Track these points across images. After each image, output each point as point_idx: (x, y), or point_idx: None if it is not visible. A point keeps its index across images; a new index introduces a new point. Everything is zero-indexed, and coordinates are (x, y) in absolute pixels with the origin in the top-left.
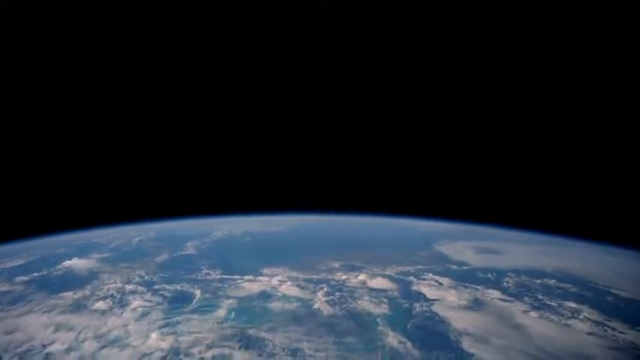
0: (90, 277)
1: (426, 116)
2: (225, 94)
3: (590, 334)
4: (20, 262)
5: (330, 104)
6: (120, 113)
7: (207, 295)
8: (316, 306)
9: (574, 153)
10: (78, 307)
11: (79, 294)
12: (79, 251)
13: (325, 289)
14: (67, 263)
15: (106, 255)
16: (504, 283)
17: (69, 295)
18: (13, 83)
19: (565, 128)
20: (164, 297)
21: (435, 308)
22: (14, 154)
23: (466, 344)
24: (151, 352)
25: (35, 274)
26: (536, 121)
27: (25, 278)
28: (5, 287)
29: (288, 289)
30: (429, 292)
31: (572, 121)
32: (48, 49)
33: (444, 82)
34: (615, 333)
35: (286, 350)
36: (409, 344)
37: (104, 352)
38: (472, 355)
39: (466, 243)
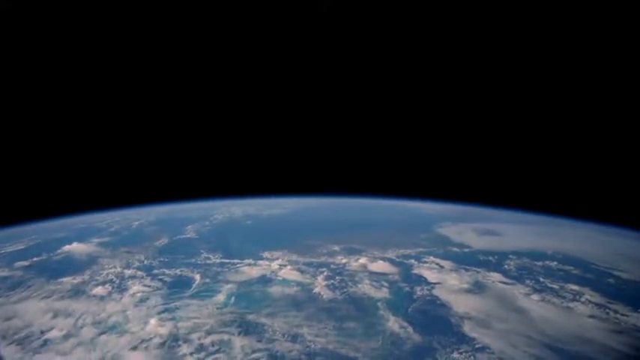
0: (89, 261)
1: (425, 97)
2: (226, 78)
3: (591, 317)
4: (21, 246)
5: (329, 87)
6: (120, 96)
7: (207, 280)
8: (316, 290)
9: (573, 131)
10: (77, 292)
11: (78, 279)
12: (79, 235)
13: (325, 273)
14: (66, 248)
15: (105, 239)
16: (505, 266)
17: (68, 281)
18: (13, 66)
19: (563, 106)
20: (163, 282)
21: (436, 292)
22: (15, 138)
23: (467, 328)
24: (150, 338)
25: (35, 259)
26: (534, 99)
27: (24, 263)
28: (5, 272)
29: (288, 273)
30: (430, 276)
31: (570, 100)
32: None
33: (441, 64)
34: (617, 316)
35: (286, 336)
36: (410, 329)
37: (103, 338)
38: (473, 339)
39: (467, 225)
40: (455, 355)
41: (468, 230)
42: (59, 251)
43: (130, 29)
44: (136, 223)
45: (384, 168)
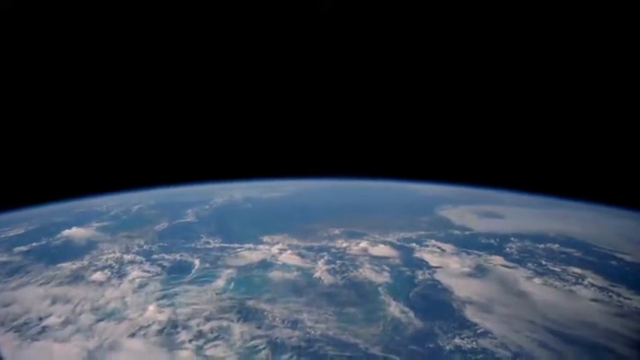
0: (89, 246)
1: (425, 78)
2: (226, 62)
3: (594, 300)
4: (20, 231)
5: (329, 69)
6: (120, 78)
7: (207, 265)
8: (317, 275)
9: (575, 112)
10: (76, 278)
11: (77, 264)
12: (78, 220)
13: (326, 258)
14: (66, 232)
15: (105, 224)
16: (507, 249)
17: (67, 266)
18: (12, 48)
19: (565, 86)
20: (163, 267)
21: (438, 276)
22: (14, 121)
23: (469, 313)
24: (149, 325)
25: (34, 244)
26: (536, 78)
27: (24, 248)
28: (4, 258)
29: (289, 257)
30: (432, 259)
31: (572, 80)
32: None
33: (442, 44)
34: (620, 299)
35: (286, 322)
36: (411, 314)
37: (101, 325)
38: (475, 324)
39: (468, 207)
40: (457, 340)
41: (470, 212)
42: (58, 236)
43: (128, 15)
44: (136, 207)
45: (385, 149)
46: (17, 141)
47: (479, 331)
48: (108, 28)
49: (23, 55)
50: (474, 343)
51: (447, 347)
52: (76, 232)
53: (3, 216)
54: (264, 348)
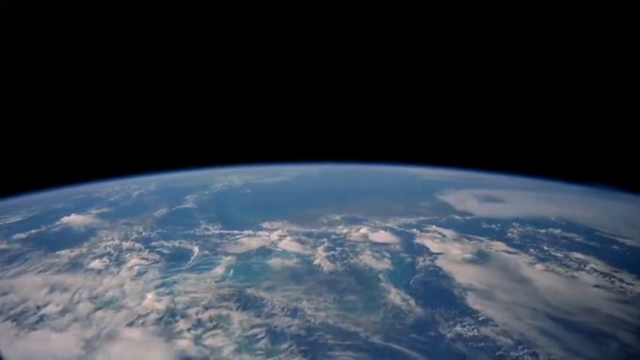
0: (87, 233)
1: (425, 60)
2: (226, 43)
3: (596, 286)
4: (19, 218)
5: (328, 54)
6: (118, 61)
7: (206, 252)
8: (316, 262)
9: (574, 93)
10: (74, 266)
11: (75, 252)
12: (78, 206)
13: (326, 244)
14: (65, 219)
15: (104, 210)
16: (509, 234)
17: (65, 254)
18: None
19: (564, 68)
20: (161, 254)
21: (439, 262)
22: (13, 106)
23: (471, 300)
24: (147, 314)
25: (33, 231)
26: (535, 61)
27: (22, 236)
28: (2, 245)
29: (288, 244)
30: (433, 245)
31: (570, 61)
32: None
33: (442, 27)
34: (623, 285)
35: (285, 310)
36: (412, 301)
37: (99, 314)
38: (477, 311)
39: (469, 191)
40: (458, 328)
41: (471, 197)
42: (57, 223)
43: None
44: (136, 192)
45: (386, 133)
46: (16, 127)
47: (480, 319)
48: (106, 14)
49: (21, 42)
50: (476, 330)
51: (448, 335)
52: (74, 219)
53: (2, 202)
54: (263, 337)
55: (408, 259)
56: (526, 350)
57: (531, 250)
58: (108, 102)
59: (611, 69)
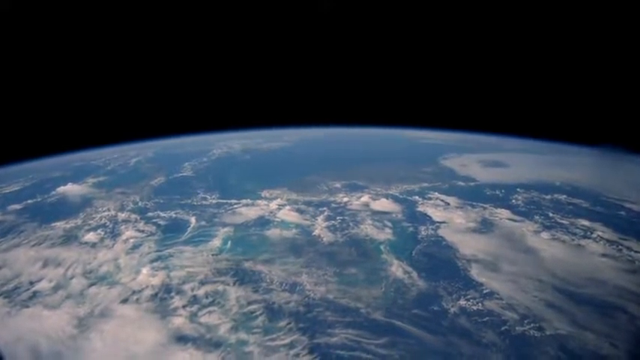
0: (83, 204)
1: (426, 25)
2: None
3: (603, 255)
4: (17, 187)
5: (331, 17)
6: (117, 30)
7: (203, 223)
8: (316, 232)
9: (578, 56)
10: (68, 238)
11: (70, 223)
12: (75, 174)
13: (326, 213)
14: (61, 189)
15: (101, 179)
16: (513, 201)
17: (60, 225)
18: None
19: (567, 30)
20: (157, 225)
21: (442, 232)
22: (11, 75)
23: (475, 272)
24: (141, 290)
25: (29, 202)
26: (537, 23)
27: (17, 206)
28: None
29: (287, 214)
30: (435, 214)
31: (574, 24)
32: None
33: None
34: (630, 253)
35: (283, 285)
36: (414, 274)
37: (92, 290)
38: (481, 284)
39: (472, 155)
40: (462, 302)
41: (473, 161)
42: (53, 193)
43: None
44: (134, 160)
45: (387, 96)
46: (15, 94)
47: (485, 292)
48: None
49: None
50: (480, 304)
51: (452, 310)
52: (71, 189)
53: (1, 170)
54: (260, 314)
55: (410, 229)
56: (532, 325)
57: (536, 217)
58: (107, 67)
59: (608, 32)
